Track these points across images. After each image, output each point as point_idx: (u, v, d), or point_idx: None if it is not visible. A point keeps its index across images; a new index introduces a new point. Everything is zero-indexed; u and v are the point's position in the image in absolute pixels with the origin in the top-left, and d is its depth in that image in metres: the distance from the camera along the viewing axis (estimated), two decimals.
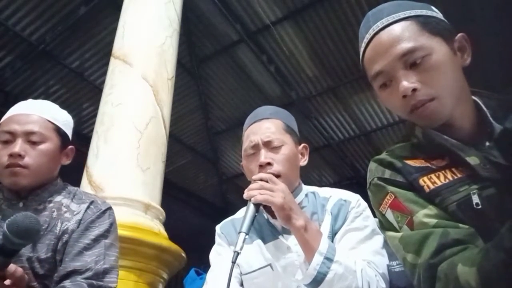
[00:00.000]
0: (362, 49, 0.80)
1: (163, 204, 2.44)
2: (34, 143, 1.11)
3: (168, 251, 2.18)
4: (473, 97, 0.77)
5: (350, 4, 4.12)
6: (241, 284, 1.08)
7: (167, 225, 2.40)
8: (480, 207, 0.66)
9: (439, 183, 0.71)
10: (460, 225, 0.66)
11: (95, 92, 4.79)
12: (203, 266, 2.60)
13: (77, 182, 2.01)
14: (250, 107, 2.32)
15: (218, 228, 1.17)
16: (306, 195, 1.12)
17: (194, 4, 4.30)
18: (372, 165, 0.83)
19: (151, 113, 2.45)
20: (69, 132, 1.22)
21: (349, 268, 0.89)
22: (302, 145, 1.16)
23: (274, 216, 1.03)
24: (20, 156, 1.07)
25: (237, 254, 0.86)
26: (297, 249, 0.97)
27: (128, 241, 1.92)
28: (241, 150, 1.14)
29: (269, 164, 1.04)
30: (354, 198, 1.09)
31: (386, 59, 0.73)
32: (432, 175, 0.73)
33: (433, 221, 0.68)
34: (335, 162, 6.48)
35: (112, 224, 1.15)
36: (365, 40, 0.78)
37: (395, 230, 0.74)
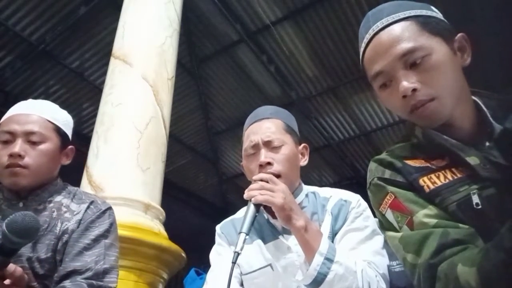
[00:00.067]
0: (362, 49, 0.80)
1: (163, 204, 2.44)
2: (34, 143, 1.11)
3: (168, 251, 2.18)
4: (473, 97, 0.77)
5: (350, 4, 4.12)
6: (241, 284, 1.08)
7: (167, 225, 2.40)
8: (480, 207, 0.66)
9: (439, 183, 0.71)
10: (460, 225, 0.66)
11: (95, 92, 4.79)
12: (203, 266, 2.61)
13: (77, 182, 2.01)
14: (250, 107, 2.32)
15: (218, 228, 1.17)
16: (307, 195, 1.12)
17: (194, 4, 4.30)
18: (372, 165, 0.82)
19: (151, 113, 2.45)
20: (69, 132, 1.22)
21: (349, 269, 0.89)
22: (303, 145, 1.16)
23: (274, 216, 1.03)
24: (20, 156, 1.07)
25: (237, 254, 0.86)
26: (297, 249, 0.97)
27: (128, 241, 1.92)
28: (241, 150, 1.14)
29: (269, 164, 1.04)
30: (354, 198, 1.09)
31: (386, 59, 0.73)
32: (432, 175, 0.73)
33: (433, 221, 0.68)
34: (335, 162, 6.48)
35: (112, 224, 1.15)
36: (365, 40, 0.78)
37: (395, 230, 0.74)
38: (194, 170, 6.82)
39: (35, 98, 1.32)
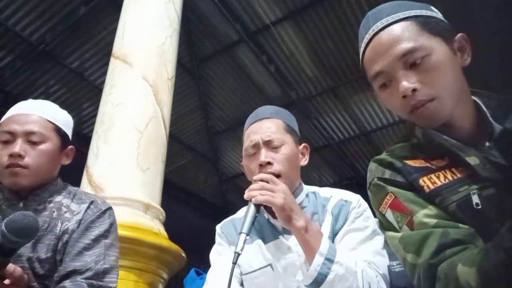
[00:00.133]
0: (362, 49, 0.80)
1: (163, 204, 2.44)
2: (34, 143, 1.11)
3: (168, 251, 2.18)
4: (473, 97, 0.77)
5: (350, 4, 4.12)
6: (241, 284, 1.08)
7: (167, 225, 2.40)
8: (480, 207, 0.66)
9: (439, 183, 0.71)
10: (460, 225, 0.66)
11: (95, 92, 4.79)
12: (203, 266, 2.61)
13: (77, 182, 2.01)
14: (250, 107, 2.32)
15: (218, 227, 1.17)
16: (307, 195, 1.12)
17: (194, 4, 4.30)
18: (372, 165, 0.82)
19: (151, 113, 2.45)
20: (69, 132, 1.22)
21: (349, 269, 0.89)
22: (303, 145, 1.16)
23: (274, 216, 1.02)
24: (20, 156, 1.07)
25: (237, 255, 0.86)
26: (298, 249, 0.97)
27: (128, 241, 1.92)
28: (241, 150, 1.14)
29: (269, 163, 1.04)
30: (355, 198, 1.09)
31: (386, 59, 0.73)
32: (432, 175, 0.73)
33: (433, 221, 0.68)
34: (335, 162, 6.48)
35: (112, 224, 1.15)
36: (365, 41, 0.78)
37: (395, 230, 0.74)
38: (194, 170, 6.83)
39: (35, 98, 1.32)
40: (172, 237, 2.30)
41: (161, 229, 2.27)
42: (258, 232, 1.08)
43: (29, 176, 1.09)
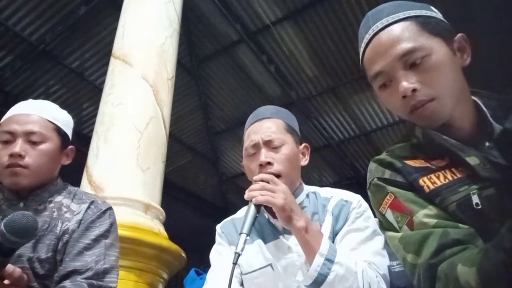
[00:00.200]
0: (361, 50, 0.80)
1: (163, 204, 2.44)
2: (34, 143, 1.11)
3: (168, 251, 2.18)
4: (473, 97, 0.77)
5: (350, 4, 4.12)
6: (241, 284, 1.08)
7: (167, 225, 2.40)
8: (480, 207, 0.66)
9: (439, 183, 0.71)
10: (460, 225, 0.66)
11: (95, 92, 4.79)
12: (203, 266, 2.61)
13: (77, 182, 2.01)
14: (250, 107, 2.32)
15: (218, 227, 1.17)
16: (307, 195, 1.12)
17: (194, 4, 4.30)
18: (372, 165, 0.82)
19: (151, 113, 2.45)
20: (69, 132, 1.22)
21: (350, 269, 0.89)
22: (303, 145, 1.16)
23: (275, 216, 1.02)
24: (20, 156, 1.07)
25: (238, 255, 0.86)
26: (298, 249, 0.97)
27: (128, 241, 1.92)
28: (241, 150, 1.14)
29: (269, 163, 1.04)
30: (355, 198, 1.08)
31: (385, 59, 0.73)
32: (432, 175, 0.73)
33: (433, 221, 0.68)
34: (335, 162, 6.48)
35: (112, 224, 1.15)
36: (365, 41, 0.78)
37: (395, 230, 0.74)
38: (194, 170, 6.83)
39: (35, 98, 1.32)
40: (172, 237, 2.30)
41: (161, 229, 2.27)
42: (259, 232, 1.08)
43: (29, 176, 1.09)
